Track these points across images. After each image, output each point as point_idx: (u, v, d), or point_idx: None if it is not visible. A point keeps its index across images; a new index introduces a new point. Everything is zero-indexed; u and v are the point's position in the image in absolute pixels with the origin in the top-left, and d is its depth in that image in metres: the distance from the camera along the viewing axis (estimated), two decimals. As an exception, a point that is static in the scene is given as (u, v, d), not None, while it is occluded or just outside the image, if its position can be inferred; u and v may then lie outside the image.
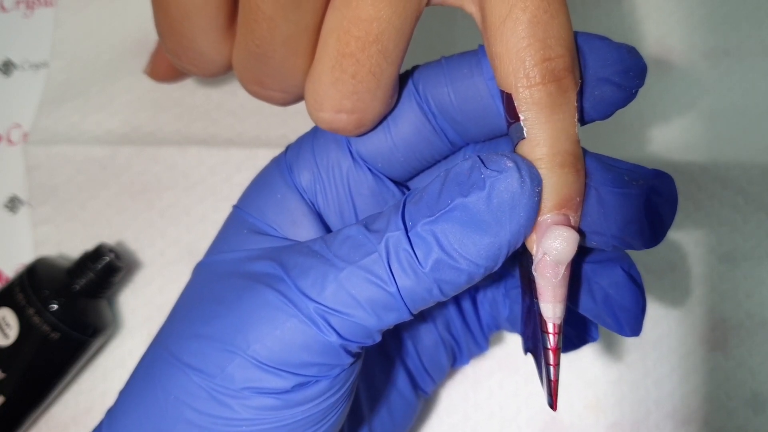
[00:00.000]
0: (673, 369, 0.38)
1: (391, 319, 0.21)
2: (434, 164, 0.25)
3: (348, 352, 0.22)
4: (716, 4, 0.43)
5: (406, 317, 0.21)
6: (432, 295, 0.21)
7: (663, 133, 0.41)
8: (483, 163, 0.20)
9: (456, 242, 0.20)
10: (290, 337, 0.21)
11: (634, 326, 0.24)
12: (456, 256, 0.20)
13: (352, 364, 0.22)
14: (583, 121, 0.22)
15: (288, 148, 0.25)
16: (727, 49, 0.42)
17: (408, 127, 0.23)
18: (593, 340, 0.28)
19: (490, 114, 0.22)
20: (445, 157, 0.25)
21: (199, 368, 0.21)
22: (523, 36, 0.19)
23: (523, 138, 0.20)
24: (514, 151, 0.21)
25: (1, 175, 0.42)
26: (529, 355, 0.26)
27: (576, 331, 0.28)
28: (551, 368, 0.22)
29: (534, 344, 0.25)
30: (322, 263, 0.21)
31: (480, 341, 0.32)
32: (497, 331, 0.33)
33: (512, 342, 0.38)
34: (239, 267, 0.23)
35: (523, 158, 0.20)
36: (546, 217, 0.21)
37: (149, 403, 0.22)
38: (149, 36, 0.44)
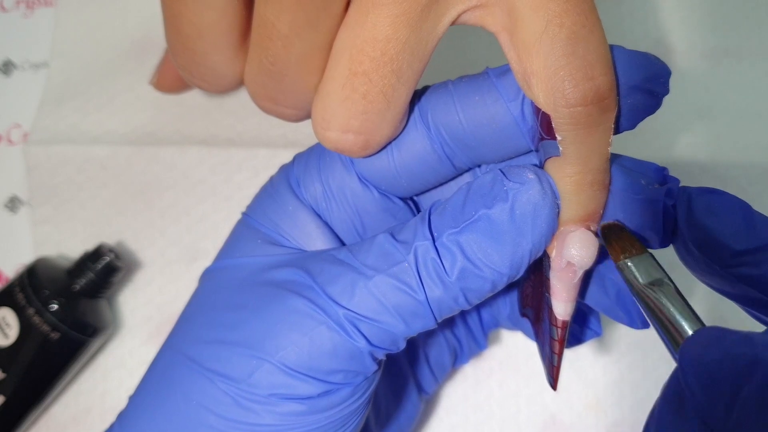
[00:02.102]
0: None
1: (418, 326, 0.22)
2: (440, 186, 0.25)
3: (373, 359, 0.22)
4: (716, 5, 0.43)
5: (432, 325, 0.22)
6: (458, 303, 0.21)
7: (663, 133, 0.41)
8: (505, 175, 0.20)
9: (480, 252, 0.20)
10: (319, 344, 0.21)
11: (645, 320, 0.25)
12: (480, 265, 0.20)
13: (374, 372, 0.22)
14: (615, 132, 0.22)
15: (295, 159, 0.25)
16: (727, 49, 0.42)
17: (412, 155, 0.23)
18: (597, 335, 0.28)
19: (506, 138, 0.22)
20: (453, 179, 0.25)
21: (224, 374, 0.22)
22: (561, 53, 0.19)
23: (557, 155, 0.20)
24: (542, 165, 0.22)
25: (1, 175, 0.43)
26: (529, 355, 0.26)
27: (581, 327, 0.28)
28: (555, 356, 0.24)
29: (538, 325, 0.26)
30: (349, 271, 0.21)
31: (480, 340, 0.33)
32: (495, 329, 0.33)
33: (512, 342, 0.38)
34: (260, 274, 0.23)
35: (544, 172, 0.21)
36: (569, 227, 0.21)
37: (168, 408, 0.22)
38: (149, 36, 0.44)
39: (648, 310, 0.21)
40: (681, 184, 0.22)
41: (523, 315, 0.28)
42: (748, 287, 0.21)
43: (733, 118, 0.41)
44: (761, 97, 0.41)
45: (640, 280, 0.21)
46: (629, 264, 0.21)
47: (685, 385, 0.18)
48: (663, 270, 0.21)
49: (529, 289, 0.27)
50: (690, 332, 0.20)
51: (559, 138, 0.20)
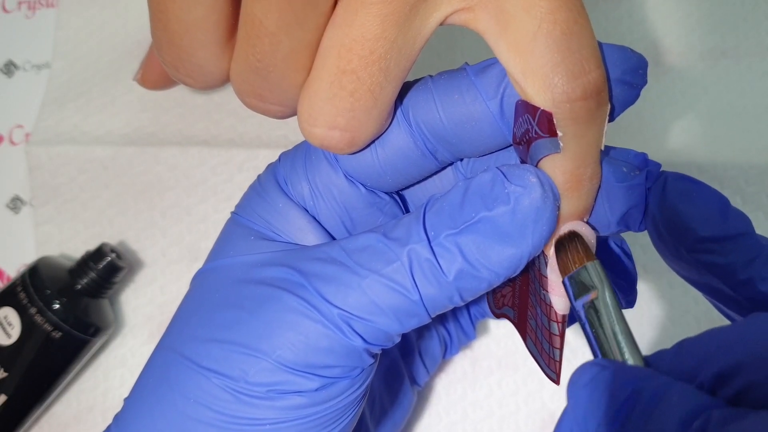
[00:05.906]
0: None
1: (412, 324, 0.22)
2: (424, 179, 0.25)
3: (369, 353, 0.22)
4: (714, 6, 0.43)
5: (426, 321, 0.22)
6: (452, 301, 0.21)
7: (661, 134, 0.41)
8: (505, 176, 0.21)
9: (480, 254, 0.20)
10: (315, 342, 0.21)
11: (628, 297, 0.25)
12: (479, 266, 0.21)
13: (371, 364, 0.23)
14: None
15: (281, 158, 0.25)
16: (725, 50, 0.43)
17: (395, 152, 0.23)
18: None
19: (486, 136, 0.22)
20: (436, 173, 0.25)
21: (221, 372, 0.22)
22: (557, 50, 0.19)
23: (557, 152, 0.21)
24: (538, 164, 0.22)
25: (3, 175, 0.43)
26: (528, 354, 0.27)
27: None
28: (557, 350, 0.24)
29: (523, 323, 0.26)
30: (342, 271, 0.21)
31: (468, 330, 0.33)
32: (482, 320, 0.33)
33: (510, 341, 0.39)
34: (253, 272, 0.23)
35: (544, 172, 0.21)
36: (566, 223, 0.22)
37: (165, 406, 0.22)
38: (151, 37, 0.44)
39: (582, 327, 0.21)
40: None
41: (499, 316, 0.28)
42: (712, 276, 0.21)
43: (731, 119, 0.41)
44: (759, 97, 0.42)
45: (573, 299, 0.21)
46: (565, 283, 0.21)
47: (565, 412, 0.19)
48: (601, 280, 0.21)
49: (506, 289, 0.27)
50: (597, 356, 0.20)
51: (560, 134, 0.20)
